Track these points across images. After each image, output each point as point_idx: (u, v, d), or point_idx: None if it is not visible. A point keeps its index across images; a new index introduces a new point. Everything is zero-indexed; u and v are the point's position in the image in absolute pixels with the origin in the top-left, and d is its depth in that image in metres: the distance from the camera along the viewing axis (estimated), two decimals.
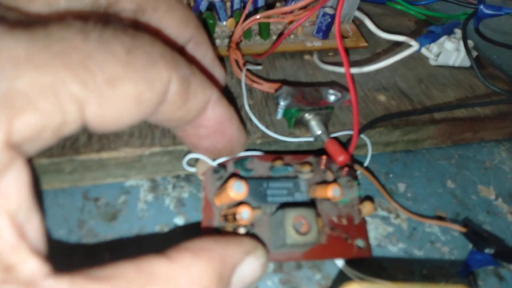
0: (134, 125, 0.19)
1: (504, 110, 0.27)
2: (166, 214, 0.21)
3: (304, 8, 0.26)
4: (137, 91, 0.13)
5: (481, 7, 0.29)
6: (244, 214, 0.18)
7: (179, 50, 0.19)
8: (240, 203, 0.19)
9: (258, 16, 0.25)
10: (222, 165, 0.21)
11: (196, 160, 0.21)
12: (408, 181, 0.24)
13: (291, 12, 0.26)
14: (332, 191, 0.19)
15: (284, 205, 0.19)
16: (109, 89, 0.13)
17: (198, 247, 0.14)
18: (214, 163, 0.21)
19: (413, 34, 0.28)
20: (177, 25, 0.18)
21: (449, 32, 0.26)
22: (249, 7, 0.26)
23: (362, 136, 0.24)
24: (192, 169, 0.21)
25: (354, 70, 0.26)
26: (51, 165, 0.20)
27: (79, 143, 0.20)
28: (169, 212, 0.21)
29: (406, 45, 0.27)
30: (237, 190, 0.18)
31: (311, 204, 0.20)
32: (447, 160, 0.26)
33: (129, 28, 0.14)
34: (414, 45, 0.25)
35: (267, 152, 0.22)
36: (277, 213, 0.19)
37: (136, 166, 0.21)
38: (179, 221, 0.21)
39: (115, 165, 0.21)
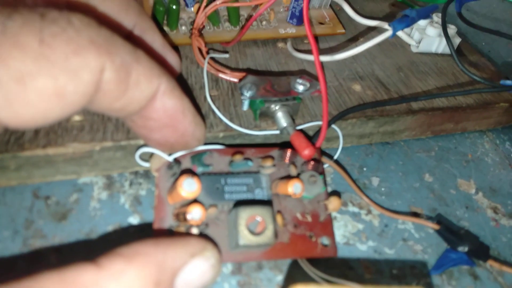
0: (66, 118, 0.18)
1: (487, 99, 0.26)
2: (120, 213, 0.20)
3: None
4: (56, 85, 0.12)
5: None
6: (195, 213, 0.17)
7: (126, 36, 0.18)
8: (193, 201, 0.18)
9: (218, 1, 0.23)
10: (178, 161, 0.19)
11: (151, 154, 0.20)
12: (383, 175, 0.23)
13: None
14: (292, 187, 0.17)
15: (240, 203, 0.18)
16: (18, 88, 0.11)
17: (132, 252, 0.13)
18: (169, 158, 0.19)
19: (391, 19, 0.26)
20: (118, 11, 0.16)
21: (426, 16, 0.25)
22: None
23: (333, 126, 0.22)
24: (145, 164, 0.20)
25: (325, 58, 0.24)
26: None
27: (24, 138, 0.19)
28: (124, 211, 0.20)
29: (382, 31, 0.25)
30: (187, 188, 0.17)
31: (269, 202, 0.19)
32: (426, 152, 0.25)
33: (53, 11, 0.13)
34: (385, 32, 0.23)
35: (230, 146, 0.21)
36: (232, 212, 0.17)
37: (88, 162, 0.20)
38: (134, 220, 0.20)
39: (64, 161, 0.20)
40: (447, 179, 0.24)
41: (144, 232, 0.19)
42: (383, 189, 0.22)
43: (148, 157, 0.20)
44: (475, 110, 0.25)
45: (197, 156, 0.20)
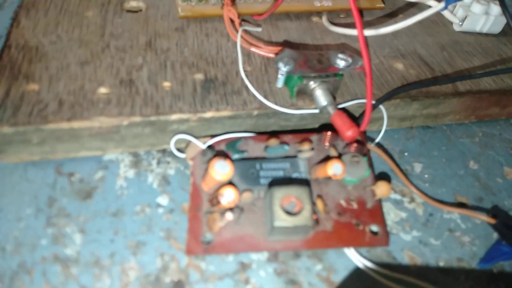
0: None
1: None
2: (148, 192, 0.19)
3: None
4: None
5: None
6: (227, 195, 0.15)
7: None
8: (227, 184, 0.16)
9: None
10: (212, 148, 0.18)
11: (187, 143, 0.19)
12: (426, 161, 0.22)
13: None
14: (332, 168, 0.16)
15: (275, 184, 0.16)
16: None
17: None
18: (204, 146, 0.18)
19: None
20: None
21: None
22: None
23: (380, 106, 0.21)
24: (181, 155, 0.18)
25: (369, 32, 0.23)
26: (16, 135, 0.17)
27: (48, 110, 0.18)
28: (152, 191, 0.19)
29: (427, 7, 0.23)
30: (220, 170, 0.16)
31: (306, 181, 0.17)
32: (470, 138, 0.23)
33: None
34: (437, 4, 0.21)
35: (263, 134, 0.19)
36: (267, 193, 0.16)
37: (114, 138, 0.19)
38: (163, 201, 0.18)
39: (89, 136, 0.18)
40: (492, 167, 0.22)
41: (175, 214, 0.18)
42: (426, 176, 0.21)
43: (183, 146, 0.18)
44: None
45: (231, 143, 0.19)
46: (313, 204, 0.17)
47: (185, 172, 0.20)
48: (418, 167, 0.21)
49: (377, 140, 0.21)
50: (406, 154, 0.22)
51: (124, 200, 0.18)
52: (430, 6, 0.23)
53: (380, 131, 0.21)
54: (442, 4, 0.21)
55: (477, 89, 0.22)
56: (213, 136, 0.19)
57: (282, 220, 0.15)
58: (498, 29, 0.26)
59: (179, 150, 0.19)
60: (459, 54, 0.25)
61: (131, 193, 0.19)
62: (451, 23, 0.27)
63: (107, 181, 0.19)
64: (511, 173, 0.22)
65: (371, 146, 0.20)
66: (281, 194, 0.15)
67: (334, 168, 0.16)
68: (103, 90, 0.19)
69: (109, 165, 0.19)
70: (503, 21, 0.27)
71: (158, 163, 0.20)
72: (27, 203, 0.18)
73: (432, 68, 0.23)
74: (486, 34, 0.27)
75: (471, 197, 0.20)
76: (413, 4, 0.28)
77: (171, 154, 0.20)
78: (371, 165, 0.19)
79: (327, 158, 0.18)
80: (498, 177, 0.22)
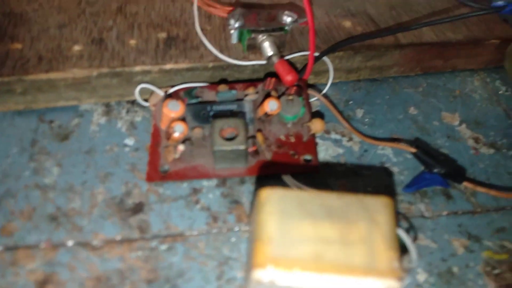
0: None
1: (477, 36, 0.26)
2: (117, 135, 0.22)
3: None
4: None
5: None
6: (177, 128, 0.18)
7: None
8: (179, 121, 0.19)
9: None
10: (171, 95, 0.21)
11: (151, 92, 0.21)
12: (368, 108, 0.24)
13: None
14: (268, 104, 0.19)
15: (217, 117, 0.19)
16: None
17: None
18: (163, 94, 0.21)
19: None
20: None
21: None
22: None
23: (324, 59, 0.23)
24: (147, 104, 0.21)
25: None
26: (2, 85, 0.20)
27: (29, 64, 0.21)
28: (120, 134, 0.22)
29: None
30: (172, 108, 0.18)
31: (243, 114, 0.20)
32: (414, 88, 0.26)
33: None
34: None
35: (217, 83, 0.22)
36: (210, 126, 0.19)
37: (87, 88, 0.22)
38: (130, 141, 0.21)
39: (65, 86, 0.21)
40: (431, 112, 0.24)
41: (139, 151, 0.21)
42: (366, 119, 0.23)
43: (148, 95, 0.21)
44: (464, 46, 0.26)
45: (188, 91, 0.21)
46: (254, 137, 0.20)
47: (150, 119, 0.22)
48: (360, 113, 0.24)
49: (324, 91, 0.23)
50: (351, 102, 0.24)
51: (96, 141, 0.21)
52: None
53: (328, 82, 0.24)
54: None
55: (419, 42, 0.25)
56: (173, 86, 0.22)
57: (220, 144, 0.18)
58: None
59: (145, 100, 0.22)
60: (407, 12, 0.27)
61: (102, 135, 0.21)
62: None
63: (82, 127, 0.22)
64: (448, 117, 0.24)
65: (316, 94, 0.23)
66: (220, 124, 0.18)
67: (270, 105, 0.19)
68: (77, 47, 0.22)
69: (84, 113, 0.22)
70: None
71: (127, 112, 0.23)
72: (14, 144, 0.21)
73: (378, 25, 0.25)
74: None
75: (406, 136, 0.23)
76: None
77: (139, 104, 0.23)
78: (308, 105, 0.21)
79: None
80: (435, 120, 0.24)
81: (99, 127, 0.22)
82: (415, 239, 0.19)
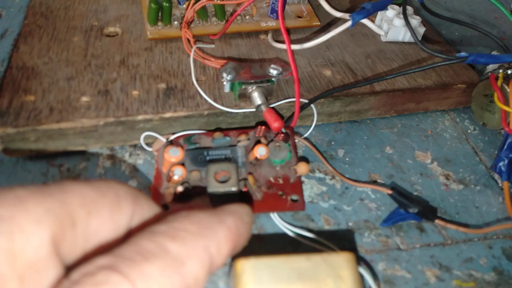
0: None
1: (445, 81, 0.29)
2: (121, 177, 0.24)
3: None
4: None
5: None
6: (177, 171, 0.20)
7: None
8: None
9: None
10: (173, 142, 0.23)
11: (155, 139, 0.24)
12: (348, 148, 0.26)
13: None
14: (258, 150, 0.21)
15: (212, 162, 0.21)
16: None
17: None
18: (165, 140, 0.23)
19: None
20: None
21: (382, 8, 0.28)
22: None
23: (311, 106, 0.26)
24: (149, 149, 0.24)
25: (296, 47, 0.28)
26: (17, 134, 0.23)
27: (42, 115, 0.23)
28: (124, 176, 0.24)
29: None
30: (172, 154, 0.21)
31: (235, 161, 0.22)
32: (389, 129, 0.28)
33: None
34: (346, 23, 0.27)
35: (213, 131, 0.25)
36: (206, 170, 0.21)
37: (94, 135, 0.24)
38: (133, 183, 0.23)
39: (74, 134, 0.23)
40: (405, 151, 0.27)
41: None
42: (347, 159, 0.26)
43: (152, 141, 0.23)
44: (434, 91, 0.29)
45: (187, 138, 0.24)
46: (245, 179, 0.22)
47: (151, 162, 0.25)
48: (341, 153, 0.26)
49: (307, 134, 0.26)
50: (333, 143, 0.27)
51: None
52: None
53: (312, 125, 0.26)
54: (350, 23, 0.26)
55: (391, 88, 0.28)
56: (174, 133, 0.24)
57: (214, 187, 0.20)
58: (418, 37, 0.32)
59: (148, 144, 0.25)
60: (381, 60, 0.30)
61: (107, 178, 0.24)
62: (379, 35, 0.32)
63: (89, 170, 0.24)
64: (421, 156, 0.27)
65: (300, 138, 0.25)
66: (215, 168, 0.20)
67: (259, 151, 0.21)
68: (84, 98, 0.24)
69: (90, 157, 0.24)
70: (421, 30, 0.32)
71: (130, 155, 0.25)
72: None
73: (355, 73, 0.28)
74: (410, 43, 0.32)
75: (383, 174, 0.25)
76: (346, 20, 0.33)
77: (141, 148, 0.25)
78: (295, 150, 0.24)
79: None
80: (409, 158, 0.26)
81: (105, 170, 0.24)
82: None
